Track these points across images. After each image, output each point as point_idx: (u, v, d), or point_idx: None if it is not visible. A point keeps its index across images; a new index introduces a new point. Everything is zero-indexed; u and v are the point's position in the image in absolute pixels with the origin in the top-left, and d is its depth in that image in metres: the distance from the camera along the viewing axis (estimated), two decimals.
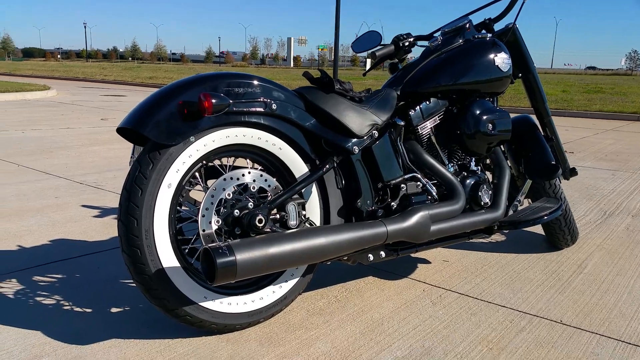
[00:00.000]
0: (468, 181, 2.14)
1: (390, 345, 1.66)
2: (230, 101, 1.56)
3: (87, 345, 1.57)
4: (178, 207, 1.62)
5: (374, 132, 1.87)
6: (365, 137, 1.84)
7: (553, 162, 2.30)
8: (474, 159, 2.23)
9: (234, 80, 1.61)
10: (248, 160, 1.75)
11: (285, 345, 1.62)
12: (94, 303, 1.86)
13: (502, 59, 2.16)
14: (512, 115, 2.48)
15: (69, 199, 3.26)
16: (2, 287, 1.96)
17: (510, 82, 2.27)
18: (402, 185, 1.96)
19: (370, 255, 1.86)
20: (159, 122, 1.49)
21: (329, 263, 1.81)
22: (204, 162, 1.64)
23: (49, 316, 1.75)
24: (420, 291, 2.09)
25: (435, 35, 2.32)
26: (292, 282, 1.77)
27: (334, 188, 1.82)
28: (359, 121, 1.82)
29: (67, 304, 1.85)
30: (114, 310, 1.82)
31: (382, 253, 1.89)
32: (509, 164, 2.49)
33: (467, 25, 2.26)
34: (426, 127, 2.08)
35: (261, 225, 1.60)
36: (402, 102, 2.11)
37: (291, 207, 1.70)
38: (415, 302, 1.98)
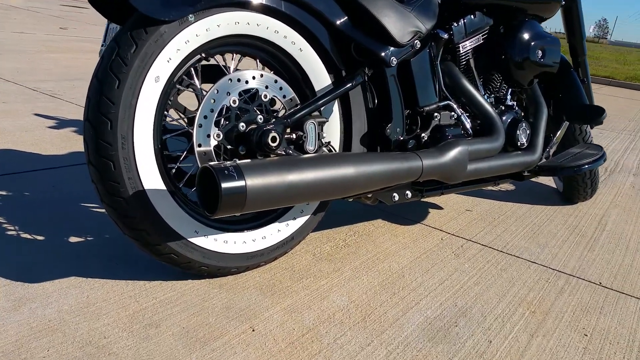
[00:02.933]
0: (505, 117, 1.82)
1: (418, 302, 1.37)
2: None
3: (38, 284, 1.21)
4: (165, 113, 1.24)
5: (416, 41, 1.50)
6: (405, 47, 1.47)
7: (596, 105, 2.00)
8: (509, 92, 1.90)
9: None
10: (257, 61, 1.36)
11: (293, 296, 1.31)
12: (47, 229, 1.48)
13: None
14: None
15: (20, 106, 2.77)
16: None
17: (558, 6, 1.92)
18: (436, 114, 1.62)
19: (395, 194, 1.54)
20: None
21: (351, 200, 1.48)
22: (203, 55, 1.24)
23: None
24: (439, 240, 1.80)
25: None
26: (301, 220, 1.44)
27: (360, 108, 1.47)
28: (401, 25, 1.44)
29: (12, 227, 1.46)
30: (73, 239, 1.45)
31: (409, 193, 1.57)
32: None
33: None
34: (466, 47, 1.73)
35: (275, 144, 1.23)
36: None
37: (310, 127, 1.34)
38: (436, 252, 1.69)
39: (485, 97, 1.82)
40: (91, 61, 4.57)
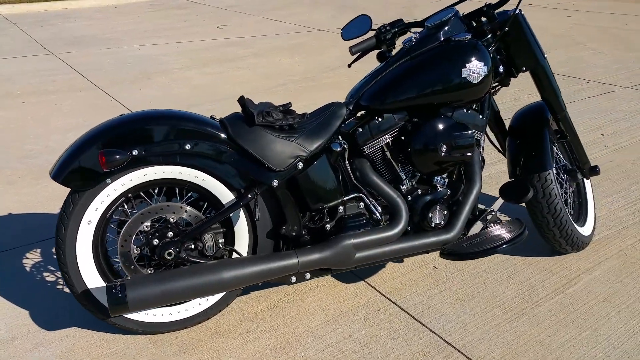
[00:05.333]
0: (423, 199, 2.07)
1: None
2: (133, 153, 1.70)
3: (51, 332, 2.00)
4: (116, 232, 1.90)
5: (298, 164, 1.88)
6: (286, 170, 1.87)
7: (525, 182, 2.09)
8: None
9: (139, 127, 1.74)
10: (177, 189, 1.91)
11: (197, 355, 1.89)
12: None
13: (473, 68, 1.94)
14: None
15: None
16: (27, 257, 2.47)
17: (486, 89, 2.02)
18: (340, 207, 1.98)
19: (292, 277, 1.97)
20: (73, 171, 1.71)
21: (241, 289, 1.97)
22: (129, 195, 1.85)
23: (44, 293, 2.21)
24: (364, 301, 2.17)
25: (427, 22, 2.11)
26: (218, 296, 1.99)
27: (261, 214, 1.92)
28: (279, 156, 1.84)
29: (62, 282, 2.30)
30: None
31: (307, 274, 1.98)
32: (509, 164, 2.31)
33: (451, 18, 2.02)
34: (376, 145, 2.02)
35: (170, 258, 1.81)
36: (357, 114, 2.06)
37: (208, 237, 1.87)
38: (349, 315, 2.08)
39: (407, 180, 2.08)
40: (219, 77, 5.43)
